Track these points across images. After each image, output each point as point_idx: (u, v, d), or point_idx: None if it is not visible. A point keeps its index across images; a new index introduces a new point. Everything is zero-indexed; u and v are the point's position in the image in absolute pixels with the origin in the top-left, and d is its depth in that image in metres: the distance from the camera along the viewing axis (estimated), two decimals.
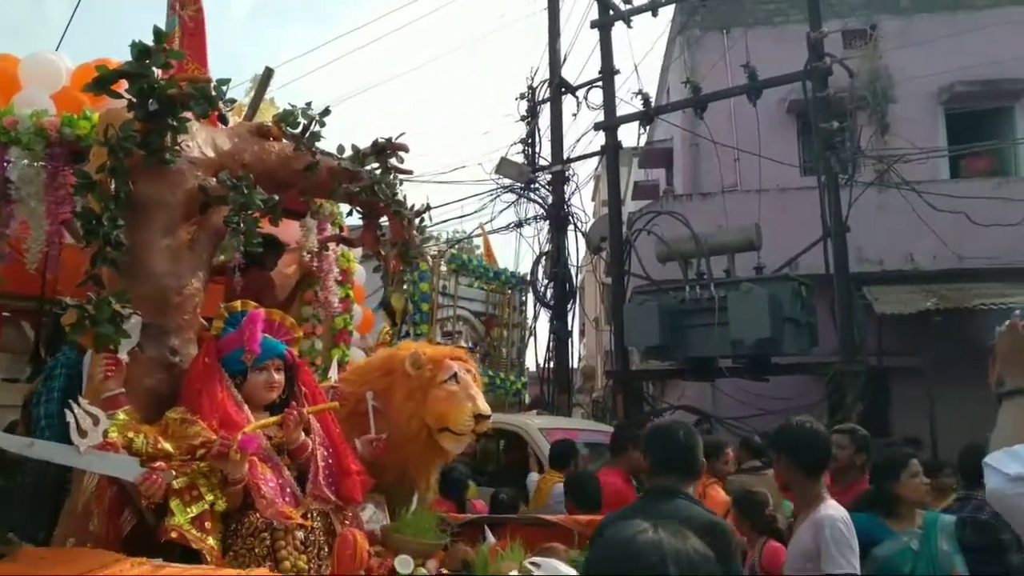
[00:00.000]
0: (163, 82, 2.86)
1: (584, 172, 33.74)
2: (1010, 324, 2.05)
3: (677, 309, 9.01)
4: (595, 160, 11.25)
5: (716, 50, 11.92)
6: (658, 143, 14.24)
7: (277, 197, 3.21)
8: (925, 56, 10.92)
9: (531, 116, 11.11)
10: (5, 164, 3.36)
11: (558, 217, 10.68)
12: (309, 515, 2.72)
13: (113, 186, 2.76)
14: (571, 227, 11.05)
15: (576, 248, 11.10)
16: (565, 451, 5.55)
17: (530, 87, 11.16)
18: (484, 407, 3.17)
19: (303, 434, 2.83)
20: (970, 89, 11.68)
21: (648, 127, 10.95)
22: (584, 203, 13.11)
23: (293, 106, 3.38)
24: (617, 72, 10.16)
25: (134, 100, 2.82)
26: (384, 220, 3.77)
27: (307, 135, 3.37)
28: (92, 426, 2.41)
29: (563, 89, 10.76)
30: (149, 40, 2.83)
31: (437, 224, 13.09)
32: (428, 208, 3.89)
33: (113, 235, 2.72)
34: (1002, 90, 11.82)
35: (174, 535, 2.38)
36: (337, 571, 2.59)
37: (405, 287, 7.02)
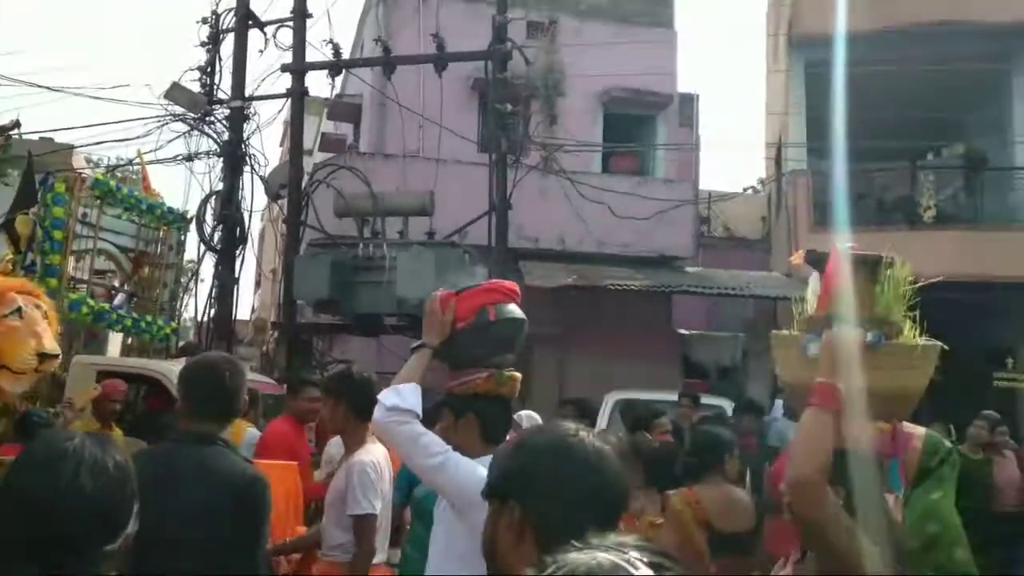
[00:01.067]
0: None
1: (267, 112, 32.24)
2: (433, 295, 2.53)
3: (349, 265, 9.12)
4: (282, 104, 10.80)
5: (411, 14, 12.09)
6: (348, 97, 14.11)
7: None
8: (593, 58, 12.15)
9: (212, 44, 10.30)
10: None
11: (234, 156, 10.10)
12: None
13: None
14: (248, 169, 10.51)
15: (252, 192, 10.62)
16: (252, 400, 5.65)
17: (214, 12, 10.31)
18: (51, 346, 3.02)
19: None
20: (624, 95, 13.26)
21: (339, 79, 10.80)
22: (269, 147, 12.56)
23: None
24: (310, 16, 9.86)
25: None
26: None
27: None
28: None
29: (250, 22, 10.14)
30: None
31: (91, 145, 11.67)
32: (17, 124, 3.46)
33: None
34: (649, 101, 13.60)
35: None
36: None
37: (34, 210, 6.16)
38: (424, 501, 3.54)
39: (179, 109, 10.11)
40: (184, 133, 10.37)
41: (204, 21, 10.37)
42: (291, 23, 9.87)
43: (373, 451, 3.19)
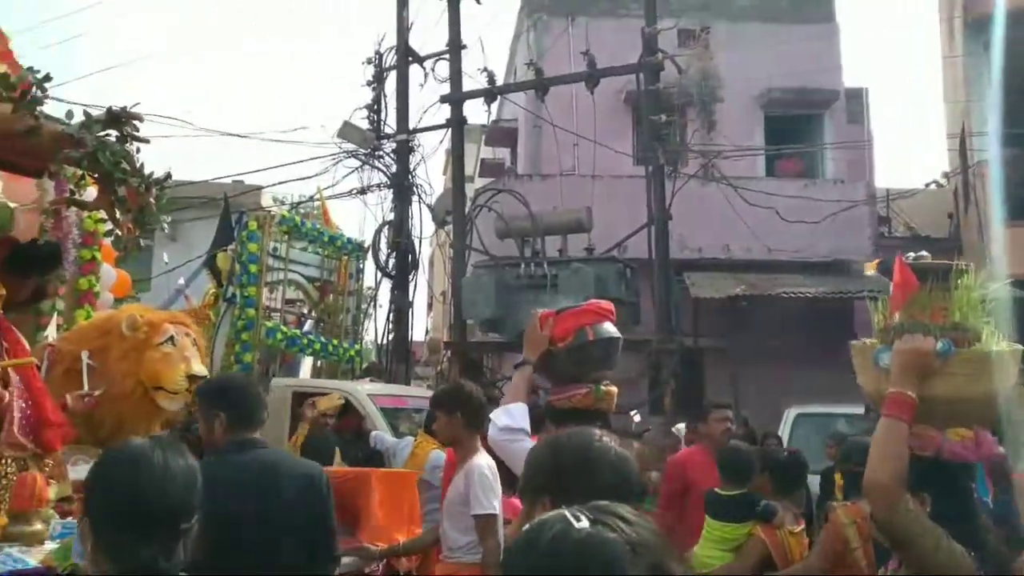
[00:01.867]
0: None
1: (430, 143, 33.72)
2: (532, 313, 2.77)
3: (513, 284, 9.33)
4: (444, 134, 11.31)
5: (561, 34, 12.28)
6: (504, 122, 14.50)
7: None
8: (749, 61, 11.77)
9: (377, 82, 10.97)
10: None
11: (401, 187, 10.67)
12: (3, 460, 2.94)
13: None
14: (415, 198, 11.07)
15: (420, 219, 11.17)
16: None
17: (377, 52, 11.00)
18: (198, 369, 3.40)
19: None
20: (786, 96, 12.72)
21: (495, 105, 11.15)
22: (433, 176, 13.18)
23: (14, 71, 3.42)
24: (464, 47, 10.26)
25: None
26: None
27: (27, 99, 3.44)
28: None
29: (410, 58, 10.70)
30: None
31: (276, 185, 12.74)
32: (168, 176, 4.00)
33: None
34: (813, 99, 12.96)
35: None
36: (12, 507, 2.81)
37: (232, 247, 6.79)
38: None
39: (351, 146, 10.83)
40: (356, 168, 11.11)
41: (369, 61, 11.10)
42: (447, 55, 10.32)
43: (486, 457, 3.34)
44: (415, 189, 11.07)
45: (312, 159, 11.04)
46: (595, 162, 10.47)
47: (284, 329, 7.13)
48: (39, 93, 3.48)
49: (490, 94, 10.19)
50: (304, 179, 15.24)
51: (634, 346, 10.06)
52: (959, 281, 1.93)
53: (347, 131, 10.56)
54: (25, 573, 2.65)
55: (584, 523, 0.98)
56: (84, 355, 3.42)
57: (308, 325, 8.16)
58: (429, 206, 11.26)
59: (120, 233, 3.90)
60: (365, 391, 6.75)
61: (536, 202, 9.73)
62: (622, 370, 10.48)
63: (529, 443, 2.43)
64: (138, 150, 3.85)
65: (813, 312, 10.43)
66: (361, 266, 8.91)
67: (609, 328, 2.69)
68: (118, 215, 3.85)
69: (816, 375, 9.74)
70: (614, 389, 2.63)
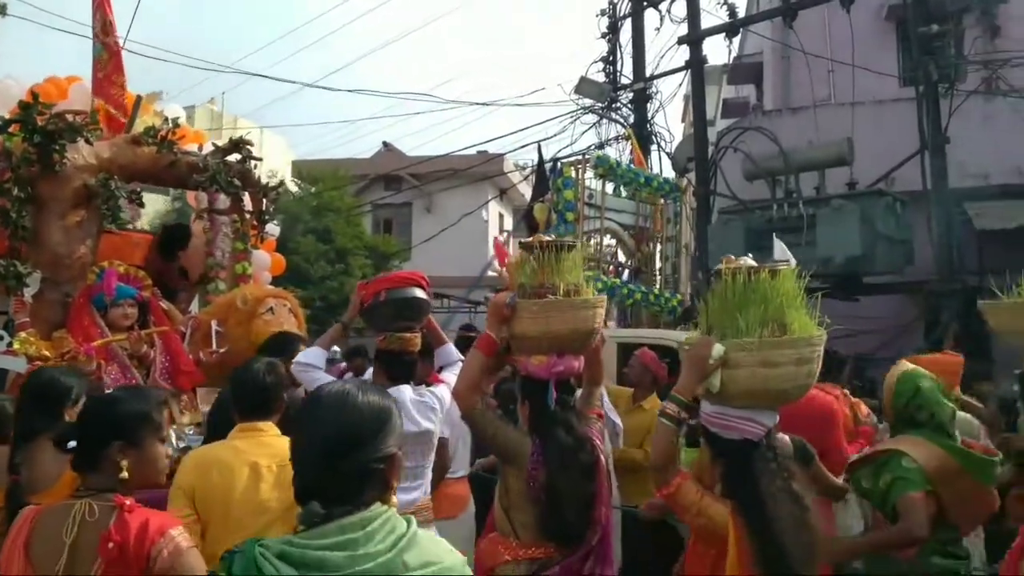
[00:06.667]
0: (43, 123, 4.24)
1: (667, 90, 32.78)
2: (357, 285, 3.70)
3: (764, 228, 8.84)
4: (682, 77, 10.89)
5: None
6: (747, 57, 13.66)
7: (139, 189, 4.88)
8: None
9: (612, 32, 10.80)
10: None
11: (640, 137, 10.48)
12: None
13: (16, 190, 4.19)
14: (655, 147, 10.83)
15: (660, 169, 10.90)
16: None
17: (611, 2, 10.82)
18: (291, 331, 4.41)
19: (144, 347, 4.34)
20: None
21: (737, 41, 10.54)
22: (672, 123, 12.86)
23: (155, 124, 4.94)
24: None
25: (25, 135, 4.27)
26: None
27: (164, 141, 4.82)
28: None
29: (644, 2, 10.40)
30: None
31: (516, 150, 13.11)
32: (281, 183, 5.71)
33: (20, 222, 4.21)
34: None
35: None
36: None
37: (547, 196, 6.87)
38: None
39: (588, 101, 10.81)
40: (594, 124, 11.07)
41: (602, 13, 10.95)
42: None
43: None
44: (654, 138, 10.83)
45: (550, 120, 11.23)
46: (854, 88, 9.54)
47: (604, 279, 6.98)
48: (172, 135, 4.84)
49: (732, 28, 9.62)
50: (546, 139, 15.54)
51: (907, 288, 9.13)
52: (543, 253, 2.64)
53: (584, 86, 10.55)
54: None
55: None
56: (213, 323, 4.53)
57: (626, 275, 7.95)
58: (669, 154, 10.97)
59: (245, 230, 5.36)
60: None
61: (787, 138, 9.11)
62: (895, 315, 9.54)
63: (318, 374, 3.31)
64: (255, 166, 5.35)
65: None
66: (678, 208, 8.63)
67: (404, 291, 3.40)
68: (244, 216, 5.40)
69: None
70: (407, 336, 3.33)
